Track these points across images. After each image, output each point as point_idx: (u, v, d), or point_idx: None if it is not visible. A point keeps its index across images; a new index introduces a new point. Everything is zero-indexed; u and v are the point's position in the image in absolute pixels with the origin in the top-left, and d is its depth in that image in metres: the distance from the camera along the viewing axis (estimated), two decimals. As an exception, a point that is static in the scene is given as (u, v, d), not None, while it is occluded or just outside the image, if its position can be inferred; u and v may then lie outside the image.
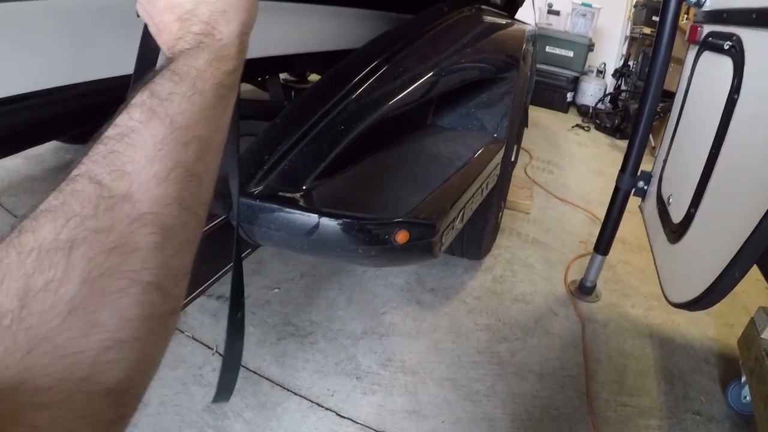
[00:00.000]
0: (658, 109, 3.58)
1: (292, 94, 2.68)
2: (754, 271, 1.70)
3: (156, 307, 0.37)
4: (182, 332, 1.73)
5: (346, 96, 1.25)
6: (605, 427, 1.61)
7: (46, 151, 2.89)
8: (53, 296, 0.31)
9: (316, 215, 1.00)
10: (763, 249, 1.03)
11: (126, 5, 0.66)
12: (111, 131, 0.39)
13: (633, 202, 2.15)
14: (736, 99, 1.30)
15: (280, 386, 1.58)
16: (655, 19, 1.82)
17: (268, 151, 1.10)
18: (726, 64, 1.40)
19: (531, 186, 3.47)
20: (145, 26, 0.54)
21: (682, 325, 2.16)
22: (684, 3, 1.80)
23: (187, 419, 1.44)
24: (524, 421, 1.59)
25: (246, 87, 2.73)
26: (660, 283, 1.60)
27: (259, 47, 1.33)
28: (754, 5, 1.27)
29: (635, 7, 6.20)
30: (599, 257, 2.20)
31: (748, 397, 1.61)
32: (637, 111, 1.98)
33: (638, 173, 2.05)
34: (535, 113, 5.70)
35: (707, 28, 1.69)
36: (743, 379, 1.64)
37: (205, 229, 1.04)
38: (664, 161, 1.94)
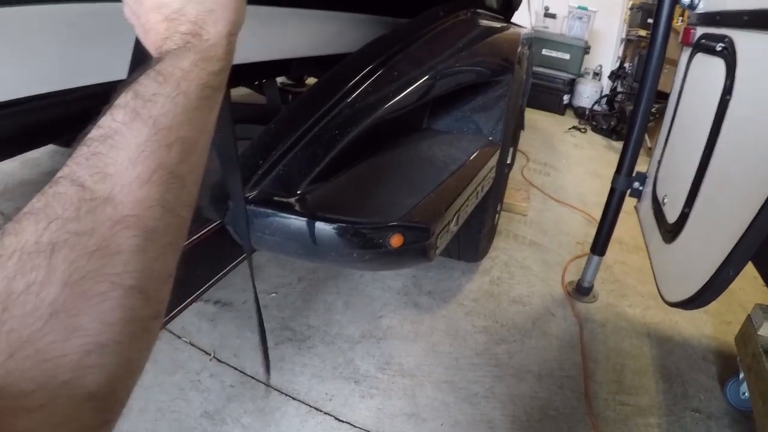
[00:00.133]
0: (654, 111, 3.59)
1: (289, 97, 2.69)
2: (751, 269, 1.71)
3: (138, 311, 0.36)
4: (179, 338, 1.73)
5: (342, 100, 1.25)
6: (604, 427, 1.61)
7: (43, 155, 2.89)
8: (35, 299, 0.31)
9: (310, 219, 1.01)
10: (756, 247, 1.03)
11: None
12: (94, 132, 0.39)
13: (629, 202, 2.16)
14: (728, 100, 1.31)
15: (278, 391, 1.58)
16: (651, 21, 1.82)
17: (262, 156, 1.11)
18: (718, 65, 1.41)
19: (528, 188, 3.48)
20: None
21: (679, 324, 2.17)
22: (678, 5, 1.81)
23: (185, 425, 1.44)
24: (523, 422, 1.59)
25: (243, 91, 2.74)
26: (656, 283, 1.61)
27: (256, 51, 1.34)
28: (746, 7, 1.28)
29: (631, 9, 6.23)
30: (596, 258, 2.20)
31: (746, 394, 1.62)
32: (632, 112, 1.99)
33: (633, 174, 2.06)
34: (532, 115, 5.71)
35: (700, 30, 1.70)
36: (741, 375, 1.65)
37: (199, 234, 1.04)
38: (659, 162, 1.95)
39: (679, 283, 1.38)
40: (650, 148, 4.20)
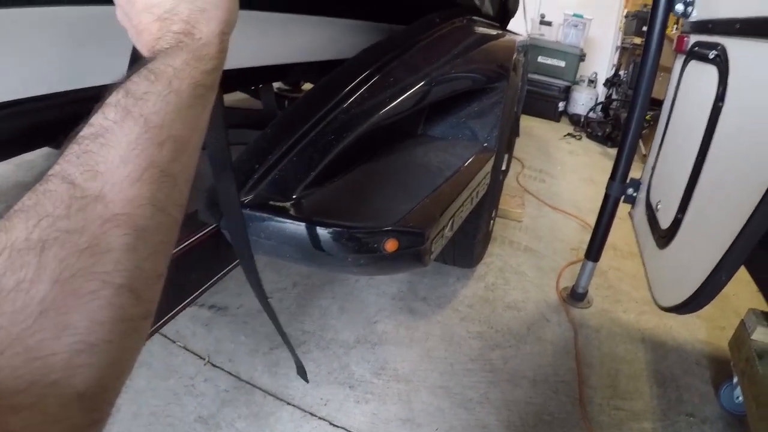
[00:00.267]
0: (648, 118, 3.61)
1: (286, 103, 2.69)
2: (745, 275, 1.73)
3: (128, 310, 0.36)
4: (174, 342, 1.73)
5: (337, 106, 1.25)
6: (599, 431, 1.61)
7: (38, 157, 2.86)
8: (24, 296, 0.31)
9: (306, 224, 1.01)
10: (747, 252, 1.04)
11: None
12: (86, 131, 0.39)
13: (623, 209, 2.17)
14: (721, 107, 1.32)
15: (273, 396, 1.58)
16: (645, 29, 1.84)
17: (258, 160, 1.11)
18: (711, 72, 1.42)
19: (523, 194, 3.49)
20: None
21: (673, 329, 2.17)
22: (672, 14, 1.83)
23: (179, 430, 1.43)
24: (518, 427, 1.59)
25: (239, 96, 2.75)
26: (650, 288, 1.62)
27: (253, 57, 1.34)
28: (738, 16, 1.29)
29: (626, 17, 6.26)
30: (590, 264, 2.21)
31: (740, 398, 1.63)
32: (626, 119, 2.00)
33: (628, 180, 2.07)
34: (528, 122, 5.74)
35: (693, 38, 1.72)
36: (735, 380, 1.65)
37: (194, 238, 1.04)
38: (653, 168, 1.96)
39: (673, 287, 1.39)
40: (645, 155, 4.22)
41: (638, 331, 2.15)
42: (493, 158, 1.69)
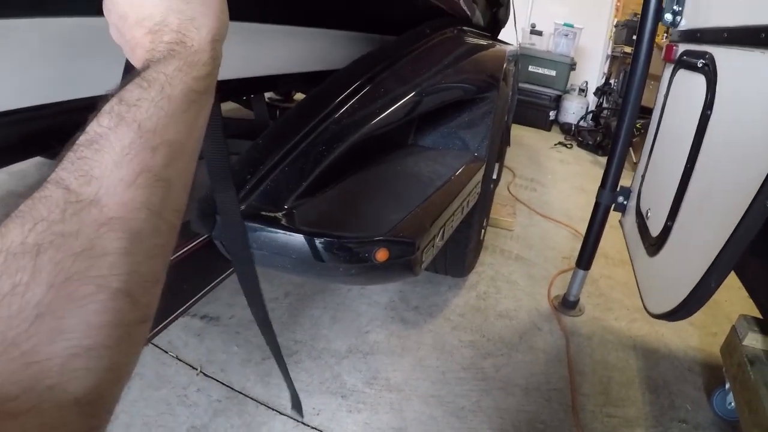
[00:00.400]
0: (638, 126, 3.64)
1: (277, 113, 2.70)
2: (735, 281, 1.74)
3: (125, 315, 0.36)
4: (166, 352, 1.72)
5: (328, 116, 1.26)
6: (591, 441, 1.62)
7: (30, 166, 2.85)
8: (20, 300, 0.31)
9: (297, 234, 1.01)
10: (736, 259, 1.05)
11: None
12: (81, 138, 0.40)
13: (614, 217, 2.18)
14: (709, 115, 1.33)
15: (265, 406, 1.57)
16: (635, 38, 1.87)
17: (250, 171, 1.11)
18: (700, 81, 1.43)
19: (514, 203, 3.51)
20: None
21: (665, 336, 2.18)
22: (660, 23, 1.85)
23: (172, 441, 1.43)
24: (510, 436, 1.59)
25: (231, 106, 2.75)
26: (641, 295, 1.62)
27: (245, 67, 1.35)
28: (726, 25, 1.31)
29: (616, 26, 6.33)
30: (582, 272, 2.22)
31: (732, 404, 1.64)
32: (616, 128, 2.02)
33: (618, 189, 2.09)
34: (518, 132, 5.77)
35: (682, 47, 1.73)
36: (727, 386, 1.66)
37: (187, 248, 1.04)
38: (643, 176, 1.97)
39: (663, 294, 1.40)
40: (635, 163, 4.25)
41: (630, 338, 2.16)
42: (483, 168, 1.70)
